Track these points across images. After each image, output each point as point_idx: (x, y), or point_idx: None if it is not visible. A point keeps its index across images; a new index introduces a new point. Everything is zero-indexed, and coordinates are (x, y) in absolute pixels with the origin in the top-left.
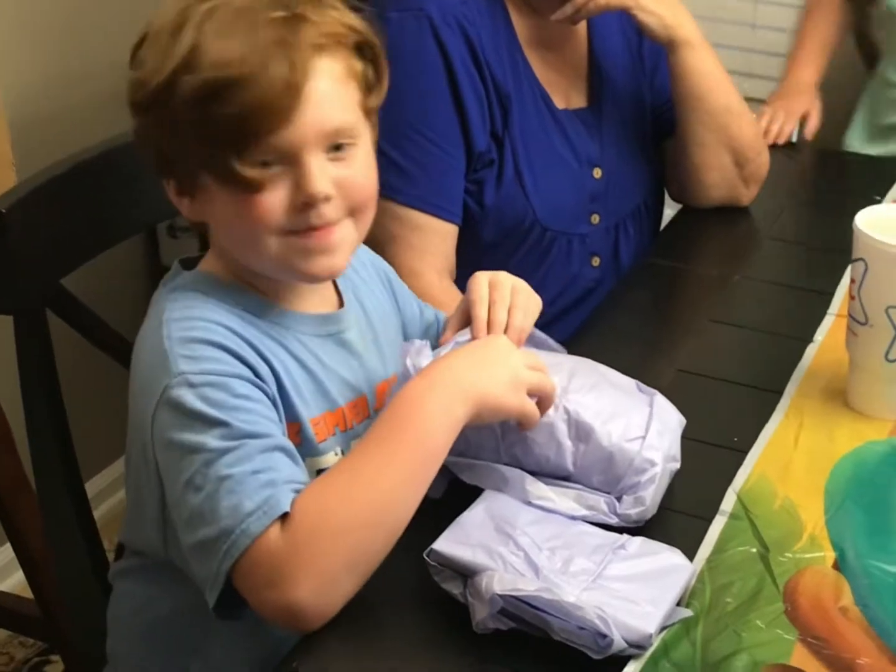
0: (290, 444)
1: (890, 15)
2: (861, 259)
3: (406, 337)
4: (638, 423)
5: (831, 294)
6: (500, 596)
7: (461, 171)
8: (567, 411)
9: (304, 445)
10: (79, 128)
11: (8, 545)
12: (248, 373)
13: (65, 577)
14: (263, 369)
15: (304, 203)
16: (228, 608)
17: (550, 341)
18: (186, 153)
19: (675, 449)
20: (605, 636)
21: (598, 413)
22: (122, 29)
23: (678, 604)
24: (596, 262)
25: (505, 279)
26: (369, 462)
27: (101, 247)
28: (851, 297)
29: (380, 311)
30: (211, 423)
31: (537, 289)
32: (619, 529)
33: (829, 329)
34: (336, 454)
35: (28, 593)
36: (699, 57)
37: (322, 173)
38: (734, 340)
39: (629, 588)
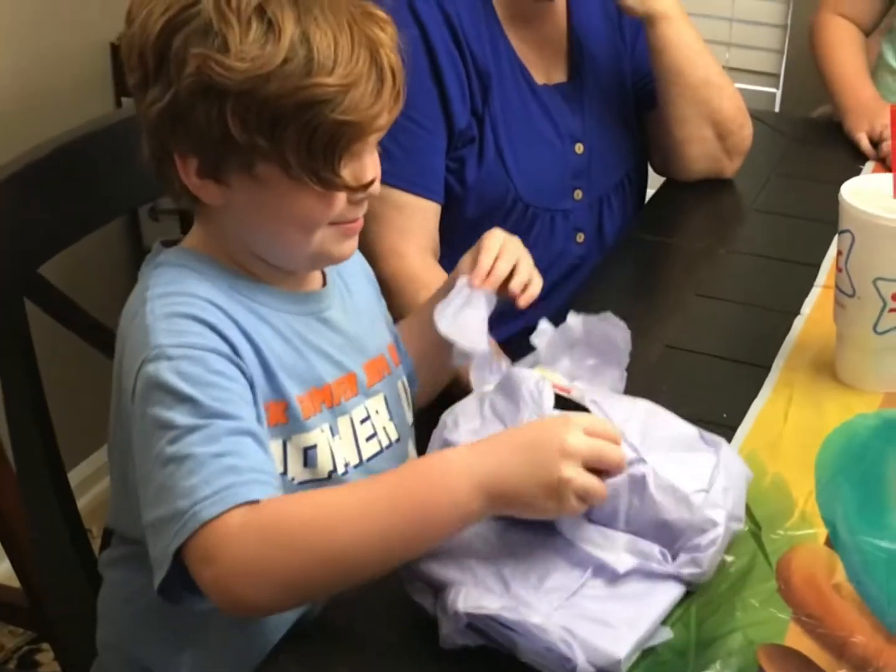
0: (259, 430)
1: None
2: (848, 230)
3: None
4: (700, 475)
5: (818, 266)
6: (465, 612)
7: (442, 149)
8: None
9: (290, 423)
10: (53, 112)
11: None
12: (227, 349)
13: (50, 566)
14: (245, 347)
15: (361, 197)
16: (176, 592)
17: (612, 324)
18: (251, 143)
19: (740, 508)
20: (569, 659)
21: (654, 464)
22: (96, 12)
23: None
24: (580, 238)
25: (519, 243)
26: (366, 499)
27: (81, 232)
28: (838, 269)
29: (364, 295)
30: (182, 398)
31: None
32: None
33: (817, 301)
34: (322, 431)
35: (15, 582)
36: (677, 30)
37: (372, 168)
38: (721, 315)
39: (606, 608)
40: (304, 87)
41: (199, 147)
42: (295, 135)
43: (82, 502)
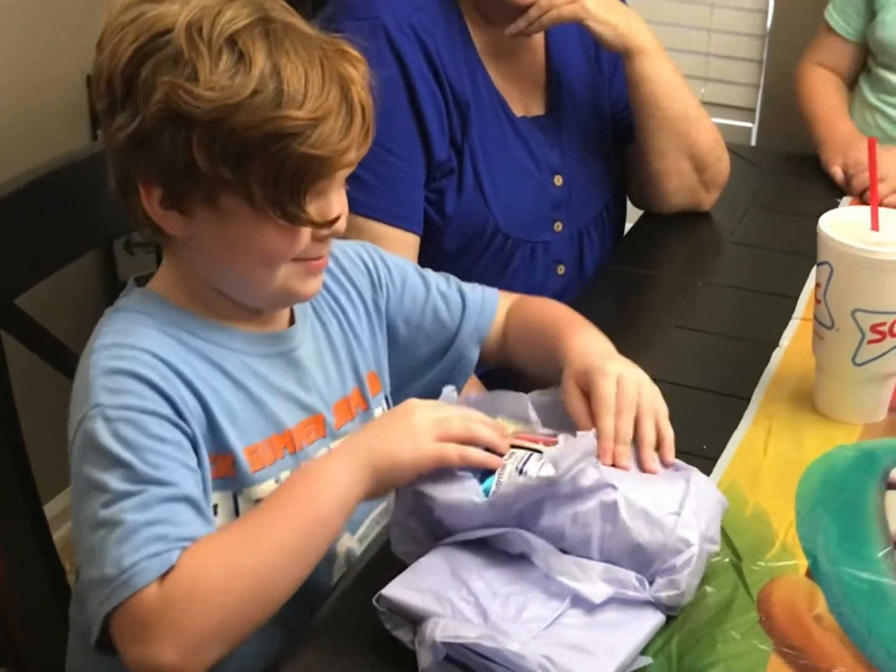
0: (198, 496)
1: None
2: (826, 262)
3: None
4: (671, 499)
5: (796, 298)
6: (443, 643)
7: (421, 180)
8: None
9: (238, 476)
10: (29, 144)
11: None
12: (167, 410)
13: (24, 600)
14: (191, 402)
15: (326, 234)
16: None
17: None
18: (215, 173)
19: (714, 530)
20: None
21: (625, 490)
22: (72, 44)
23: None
24: (560, 270)
25: (631, 381)
26: (256, 528)
27: (56, 264)
28: (817, 301)
29: (348, 319)
30: (117, 462)
31: None
32: None
33: (795, 333)
34: (277, 481)
35: None
36: (654, 64)
37: (338, 205)
38: (700, 346)
39: (586, 636)
40: (273, 119)
41: (164, 176)
42: (261, 167)
43: (58, 535)
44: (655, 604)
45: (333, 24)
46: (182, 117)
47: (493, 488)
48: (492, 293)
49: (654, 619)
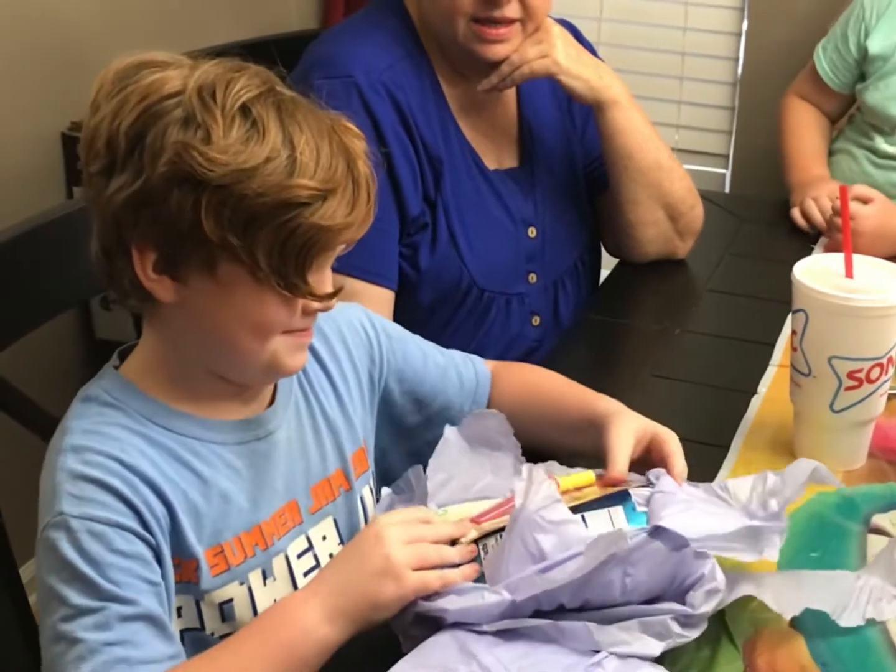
0: (158, 612)
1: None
2: (801, 310)
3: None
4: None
5: (772, 345)
6: None
7: (395, 236)
8: None
9: (200, 581)
10: (3, 201)
11: None
12: (132, 522)
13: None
14: (157, 509)
15: (320, 308)
16: None
17: (486, 417)
18: (222, 239)
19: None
20: None
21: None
22: (47, 102)
23: None
24: (536, 321)
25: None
26: (228, 667)
27: (33, 323)
28: (794, 349)
29: (340, 392)
30: (78, 576)
31: (479, 350)
32: None
33: (773, 380)
34: (242, 584)
35: None
36: (626, 116)
37: (330, 281)
38: (678, 395)
39: None
40: (286, 188)
41: (162, 239)
42: (269, 236)
43: (34, 599)
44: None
45: (306, 82)
46: (192, 180)
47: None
48: (481, 365)
49: None
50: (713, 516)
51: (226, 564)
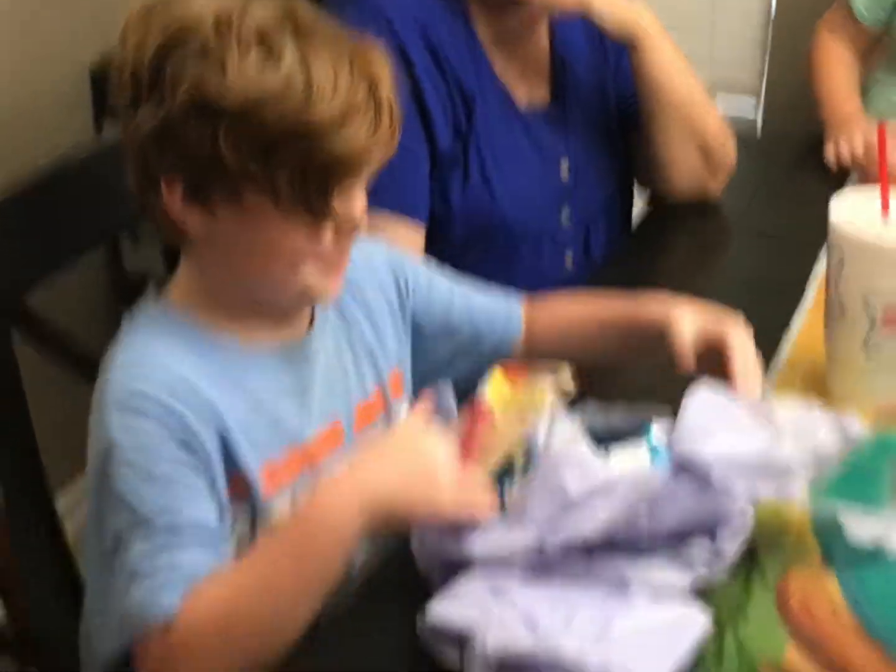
0: (207, 521)
1: None
2: (836, 249)
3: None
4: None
5: (805, 285)
6: (496, 656)
7: (426, 171)
8: None
9: (252, 496)
10: (32, 139)
11: None
12: (181, 433)
13: (36, 593)
14: (206, 420)
15: (348, 230)
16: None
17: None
18: (242, 168)
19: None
20: None
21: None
22: (74, 37)
23: None
24: (568, 260)
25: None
26: (257, 571)
27: (64, 260)
28: (827, 289)
29: (372, 319)
30: (125, 504)
31: (509, 288)
32: None
33: (806, 321)
34: (292, 500)
35: None
36: (659, 51)
37: (361, 204)
38: None
39: (636, 642)
40: (302, 114)
41: (187, 170)
42: (289, 163)
43: (69, 526)
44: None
45: (337, 17)
46: (209, 109)
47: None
48: (515, 300)
49: (701, 625)
50: (740, 433)
51: (276, 481)
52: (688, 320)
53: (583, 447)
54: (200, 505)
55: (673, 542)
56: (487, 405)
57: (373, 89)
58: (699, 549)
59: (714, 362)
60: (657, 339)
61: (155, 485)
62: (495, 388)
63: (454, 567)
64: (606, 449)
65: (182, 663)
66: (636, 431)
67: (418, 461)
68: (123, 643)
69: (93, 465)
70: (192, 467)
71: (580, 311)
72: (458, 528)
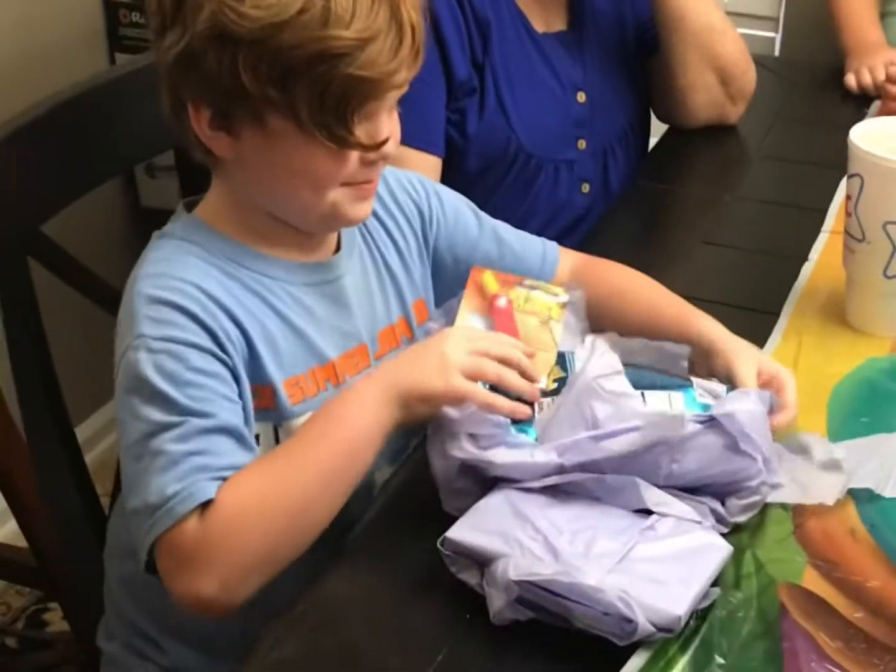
0: (236, 424)
1: None
2: (857, 175)
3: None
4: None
5: (825, 211)
6: (516, 582)
7: (442, 101)
8: None
9: (278, 408)
10: (46, 70)
11: None
12: (209, 343)
13: (59, 524)
14: (233, 334)
15: (374, 158)
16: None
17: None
18: (262, 93)
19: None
20: (629, 620)
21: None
22: None
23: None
24: (585, 188)
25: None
26: (290, 458)
27: (80, 191)
28: (847, 214)
29: (399, 246)
30: (159, 395)
31: (526, 218)
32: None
33: (824, 247)
34: None
35: (22, 542)
36: None
37: (388, 128)
38: (728, 262)
39: (658, 569)
40: (319, 39)
41: (211, 96)
42: (307, 88)
43: (90, 457)
44: (712, 534)
45: None
46: (228, 36)
47: (538, 431)
48: (552, 246)
49: (724, 550)
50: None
51: (301, 395)
52: (751, 365)
53: (622, 382)
54: (229, 411)
55: (685, 492)
56: (507, 300)
57: (394, 10)
58: (707, 506)
59: None
60: (701, 357)
61: (187, 387)
62: (490, 285)
63: (471, 475)
64: (642, 394)
65: (219, 549)
66: (676, 383)
67: (434, 356)
68: (159, 530)
69: (123, 370)
70: (221, 377)
71: (634, 288)
72: (481, 427)
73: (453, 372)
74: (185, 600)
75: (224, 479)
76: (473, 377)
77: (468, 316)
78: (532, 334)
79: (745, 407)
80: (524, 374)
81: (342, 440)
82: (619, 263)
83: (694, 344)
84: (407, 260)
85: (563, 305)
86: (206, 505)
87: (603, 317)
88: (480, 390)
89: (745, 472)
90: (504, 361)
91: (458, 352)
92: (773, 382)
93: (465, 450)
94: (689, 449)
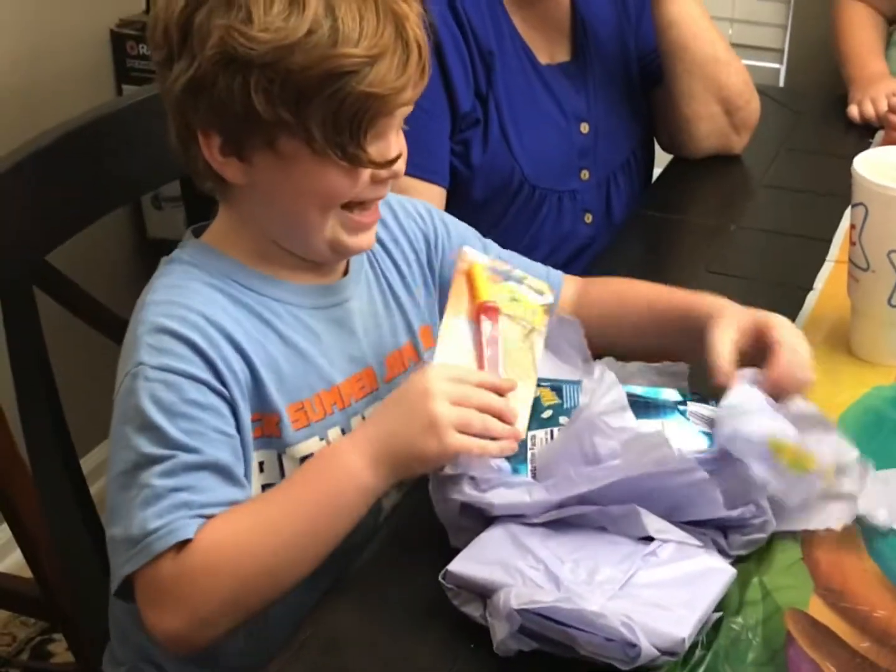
0: (226, 461)
1: None
2: (861, 204)
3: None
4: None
5: (829, 240)
6: (519, 611)
7: (447, 132)
8: None
9: (282, 435)
10: (53, 100)
11: (4, 525)
12: (206, 374)
13: (64, 554)
14: (235, 364)
15: (386, 176)
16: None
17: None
18: (274, 116)
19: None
20: (633, 645)
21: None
22: (94, 4)
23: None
24: (588, 218)
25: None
26: (273, 513)
27: (86, 221)
28: (852, 243)
29: (405, 274)
30: (151, 426)
31: (530, 248)
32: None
33: (829, 276)
34: (322, 439)
35: (27, 573)
36: (682, 7)
37: (397, 146)
38: (733, 291)
39: (661, 593)
40: (330, 58)
41: (222, 122)
42: (320, 108)
43: (94, 489)
44: (715, 558)
45: None
46: (238, 61)
47: (529, 466)
48: (557, 274)
49: (727, 574)
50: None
51: (306, 420)
52: (726, 324)
53: (627, 418)
54: (221, 446)
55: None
56: (493, 302)
57: (400, 28)
58: (710, 537)
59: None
60: (700, 336)
61: (180, 420)
62: (480, 283)
63: (473, 514)
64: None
65: (190, 588)
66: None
67: (422, 414)
68: (136, 565)
69: (121, 396)
70: (217, 411)
71: (633, 289)
72: (481, 471)
73: (445, 431)
74: (155, 634)
75: (206, 516)
76: (462, 430)
77: (454, 322)
78: (513, 356)
79: (744, 429)
80: (503, 418)
81: (326, 504)
82: (616, 277)
83: (699, 323)
84: (412, 287)
85: (547, 310)
86: (184, 543)
87: (616, 322)
88: (474, 443)
89: (750, 511)
90: (484, 409)
91: (444, 407)
92: (757, 326)
93: (466, 493)
94: (688, 488)
